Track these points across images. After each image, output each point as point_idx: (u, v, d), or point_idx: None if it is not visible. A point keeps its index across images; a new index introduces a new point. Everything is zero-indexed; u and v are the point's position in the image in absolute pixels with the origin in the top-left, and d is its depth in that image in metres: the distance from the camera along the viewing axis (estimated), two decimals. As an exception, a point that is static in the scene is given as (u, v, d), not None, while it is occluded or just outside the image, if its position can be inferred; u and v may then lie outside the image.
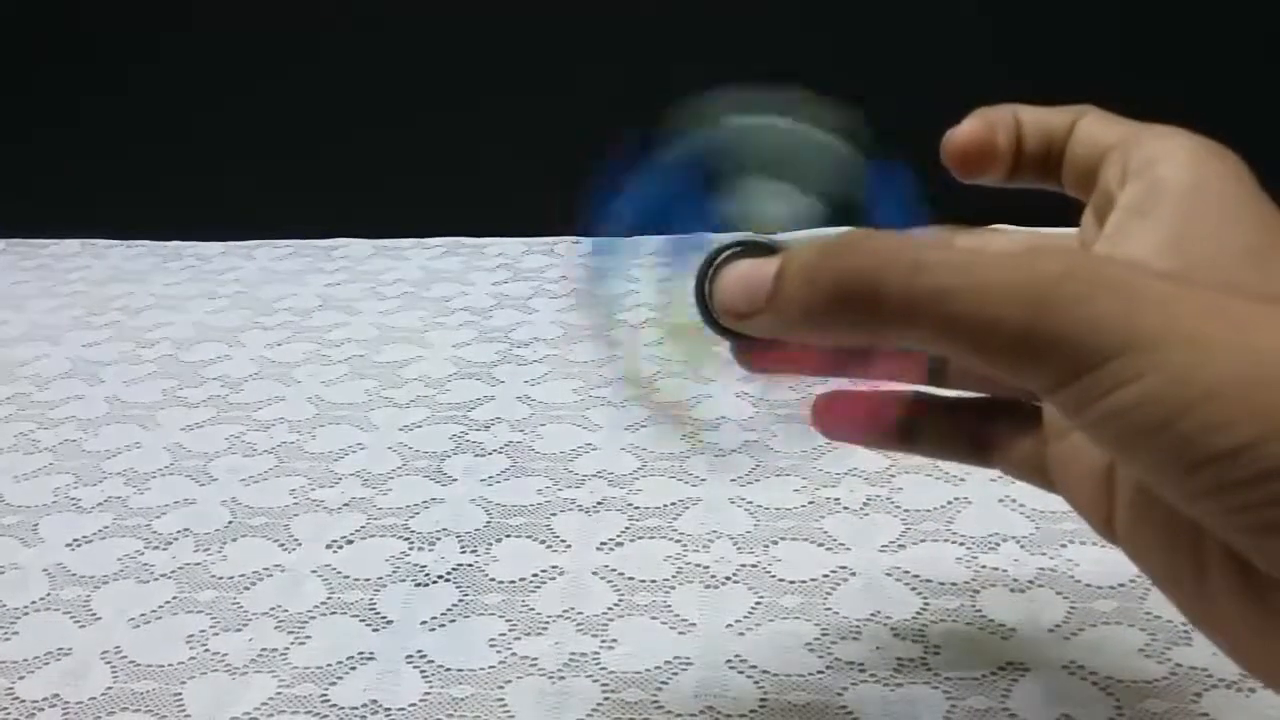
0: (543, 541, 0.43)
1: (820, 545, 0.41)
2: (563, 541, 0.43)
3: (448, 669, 0.37)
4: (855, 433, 0.30)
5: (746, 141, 0.28)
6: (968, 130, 0.27)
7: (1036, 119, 0.27)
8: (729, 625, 0.38)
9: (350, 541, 0.44)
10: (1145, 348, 0.19)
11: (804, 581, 0.40)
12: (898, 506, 0.43)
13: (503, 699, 0.36)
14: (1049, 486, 0.27)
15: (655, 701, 0.35)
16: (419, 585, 0.41)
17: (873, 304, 0.22)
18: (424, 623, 0.39)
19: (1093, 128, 0.26)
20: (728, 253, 0.27)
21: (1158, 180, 0.24)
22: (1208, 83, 0.70)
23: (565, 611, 0.39)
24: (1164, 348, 0.19)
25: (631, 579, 0.40)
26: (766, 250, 0.26)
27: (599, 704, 0.35)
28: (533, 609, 0.39)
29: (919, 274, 0.21)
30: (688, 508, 0.44)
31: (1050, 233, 0.29)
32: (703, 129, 0.27)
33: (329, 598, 0.41)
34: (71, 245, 0.80)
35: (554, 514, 0.45)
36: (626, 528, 0.43)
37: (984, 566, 0.40)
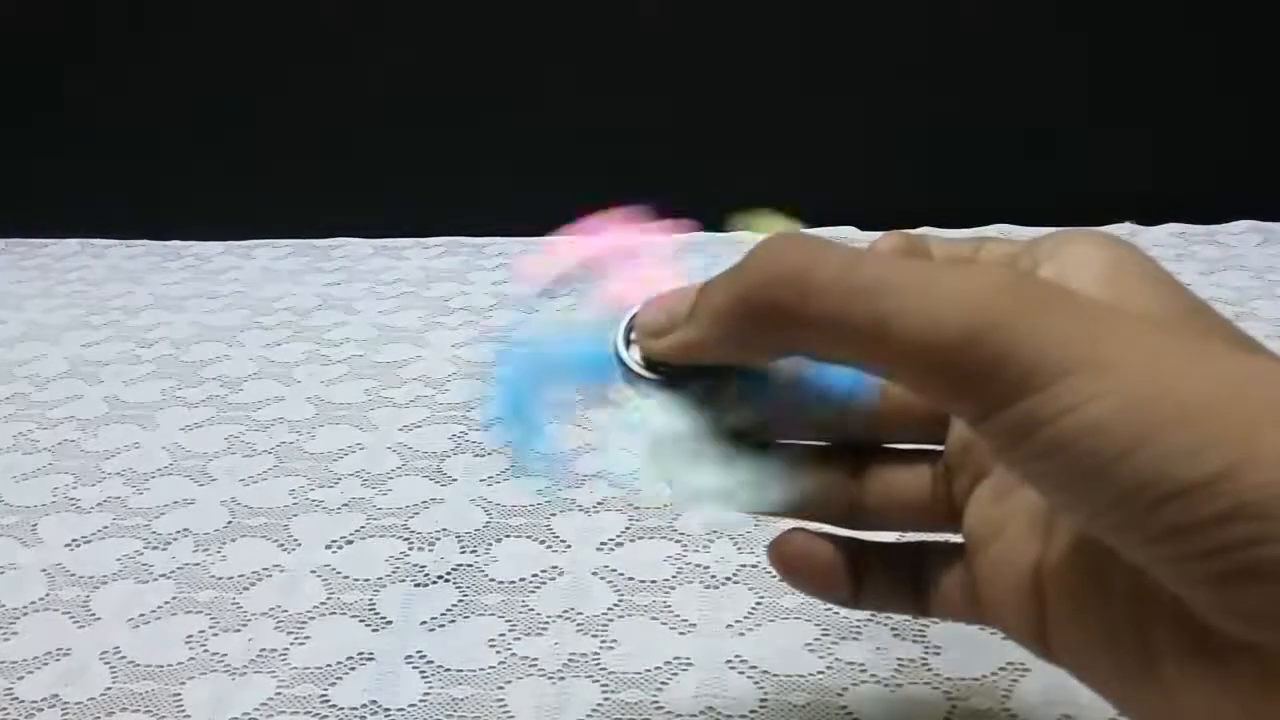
0: (542, 541, 0.43)
1: (820, 545, 0.41)
2: (563, 541, 0.43)
3: (448, 669, 0.37)
4: (812, 587, 0.28)
5: None
6: (891, 241, 0.25)
7: (944, 245, 0.26)
8: (729, 625, 0.38)
9: (350, 541, 0.44)
10: (1101, 368, 0.17)
11: (804, 581, 0.39)
12: (898, 506, 0.43)
13: (503, 699, 0.36)
14: (982, 617, 0.25)
15: (655, 701, 0.35)
16: (419, 585, 0.41)
17: (800, 301, 0.20)
18: (424, 623, 0.39)
19: (998, 245, 0.25)
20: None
21: (1073, 257, 0.23)
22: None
23: (565, 612, 0.39)
24: (1122, 368, 0.17)
25: (631, 579, 0.40)
26: None
27: (599, 704, 0.35)
28: (532, 609, 0.39)
29: (855, 268, 0.20)
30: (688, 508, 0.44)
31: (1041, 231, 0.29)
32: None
33: (329, 598, 0.41)
34: (71, 245, 0.80)
35: (554, 514, 0.45)
36: (626, 528, 0.43)
37: (984, 566, 0.39)
